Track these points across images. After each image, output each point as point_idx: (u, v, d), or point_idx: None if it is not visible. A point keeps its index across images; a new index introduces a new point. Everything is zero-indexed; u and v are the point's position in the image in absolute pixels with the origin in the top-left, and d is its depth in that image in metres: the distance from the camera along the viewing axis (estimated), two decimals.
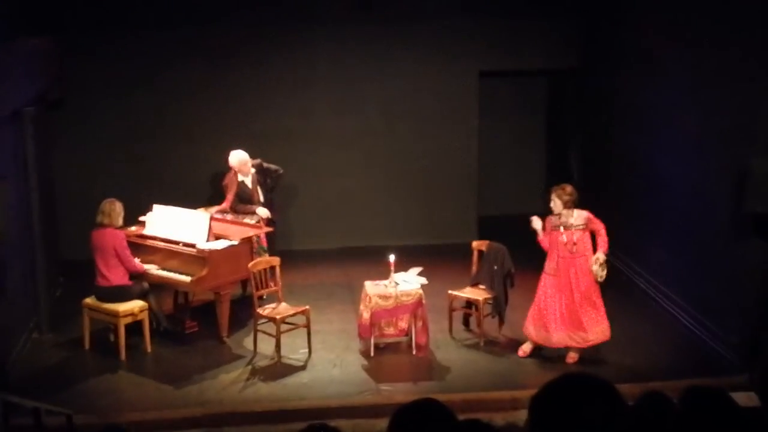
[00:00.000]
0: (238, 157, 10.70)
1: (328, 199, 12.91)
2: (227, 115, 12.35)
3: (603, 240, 8.85)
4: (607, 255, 8.85)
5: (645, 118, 11.02)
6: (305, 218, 12.83)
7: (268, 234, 10.59)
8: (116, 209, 9.33)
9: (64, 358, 9.52)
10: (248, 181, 10.82)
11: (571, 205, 8.80)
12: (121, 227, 9.46)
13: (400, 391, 8.57)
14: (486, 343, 9.63)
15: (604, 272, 8.83)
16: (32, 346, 9.76)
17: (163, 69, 12.25)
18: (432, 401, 3.33)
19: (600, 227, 8.88)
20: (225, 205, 10.76)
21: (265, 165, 10.97)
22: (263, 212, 10.69)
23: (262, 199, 10.88)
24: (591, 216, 8.89)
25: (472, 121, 13.03)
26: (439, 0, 12.61)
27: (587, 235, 8.90)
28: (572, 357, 9.13)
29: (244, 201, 10.79)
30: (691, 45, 9.81)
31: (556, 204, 8.83)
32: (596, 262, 8.80)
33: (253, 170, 10.83)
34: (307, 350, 9.45)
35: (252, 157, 10.84)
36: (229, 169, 10.81)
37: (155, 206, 10.05)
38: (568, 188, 8.85)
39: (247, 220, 10.57)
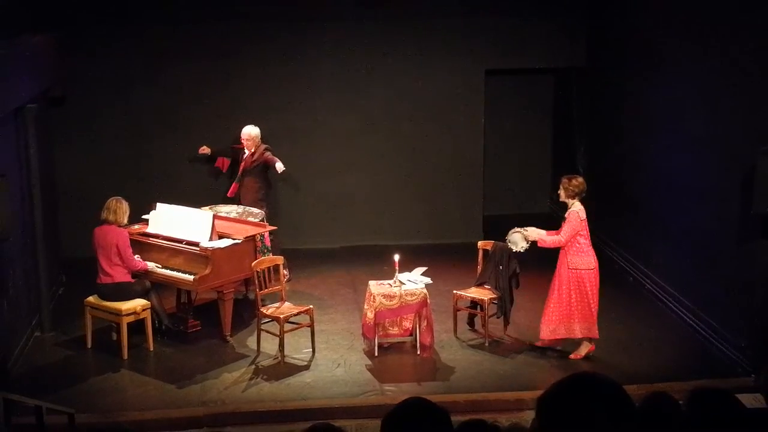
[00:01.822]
0: (245, 129, 11.20)
1: (333, 198, 12.86)
2: (230, 112, 12.29)
3: (554, 233, 8.98)
4: (533, 245, 9.04)
5: (652, 117, 10.96)
6: (309, 217, 12.79)
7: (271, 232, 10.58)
8: (122, 207, 9.28)
9: (66, 356, 9.49)
10: (246, 154, 11.21)
11: (573, 196, 8.91)
12: (125, 226, 9.40)
13: (404, 392, 8.49)
14: (491, 343, 9.58)
15: (519, 244, 9.02)
16: (34, 344, 9.73)
17: (165, 66, 12.21)
18: (421, 400, 3.27)
19: (565, 227, 8.90)
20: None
21: (268, 155, 11.12)
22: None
23: (239, 174, 11.18)
24: (573, 212, 8.90)
25: (478, 120, 12.97)
26: None
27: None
28: (577, 354, 9.19)
29: (234, 165, 11.44)
30: (699, 43, 9.75)
31: (561, 193, 9.01)
32: (523, 231, 9.01)
33: (253, 150, 11.17)
34: (310, 350, 9.40)
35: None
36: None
37: (158, 204, 10.01)
38: (575, 181, 8.98)
39: (251, 218, 10.53)
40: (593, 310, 9.01)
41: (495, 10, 12.59)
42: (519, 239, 9.07)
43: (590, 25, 12.81)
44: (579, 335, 9.13)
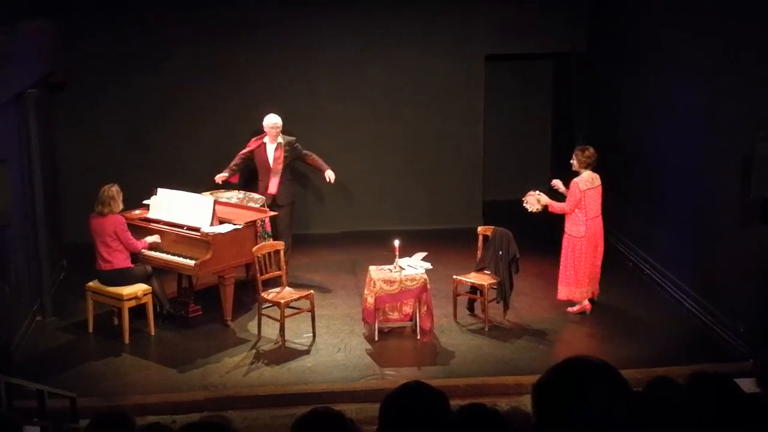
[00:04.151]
0: (267, 119, 10.72)
1: (333, 183, 12.81)
2: (231, 98, 12.29)
3: (560, 202, 9.54)
4: (544, 209, 9.64)
5: (651, 103, 10.96)
6: (309, 202, 12.80)
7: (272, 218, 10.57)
8: (114, 195, 9.21)
9: (68, 341, 9.52)
10: (270, 149, 10.74)
11: (585, 166, 9.50)
12: (122, 211, 9.39)
13: (404, 376, 8.53)
14: (491, 328, 9.61)
15: (534, 206, 9.62)
16: (36, 329, 9.76)
17: (166, 52, 12.20)
18: (419, 383, 3.30)
19: (566, 198, 9.51)
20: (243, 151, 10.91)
21: (297, 145, 10.89)
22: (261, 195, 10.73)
23: (279, 168, 10.72)
24: (574, 182, 9.50)
25: (478, 106, 12.97)
26: None
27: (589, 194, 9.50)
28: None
29: (258, 164, 10.83)
30: (698, 29, 9.74)
31: (574, 163, 9.57)
32: (537, 194, 9.62)
33: (280, 140, 10.75)
34: (311, 334, 9.43)
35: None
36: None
37: (159, 190, 10.01)
38: (587, 152, 9.59)
39: (252, 204, 10.53)
40: (578, 275, 9.64)
41: None
42: (534, 201, 9.62)
43: (590, 10, 12.79)
44: (563, 297, 9.81)
